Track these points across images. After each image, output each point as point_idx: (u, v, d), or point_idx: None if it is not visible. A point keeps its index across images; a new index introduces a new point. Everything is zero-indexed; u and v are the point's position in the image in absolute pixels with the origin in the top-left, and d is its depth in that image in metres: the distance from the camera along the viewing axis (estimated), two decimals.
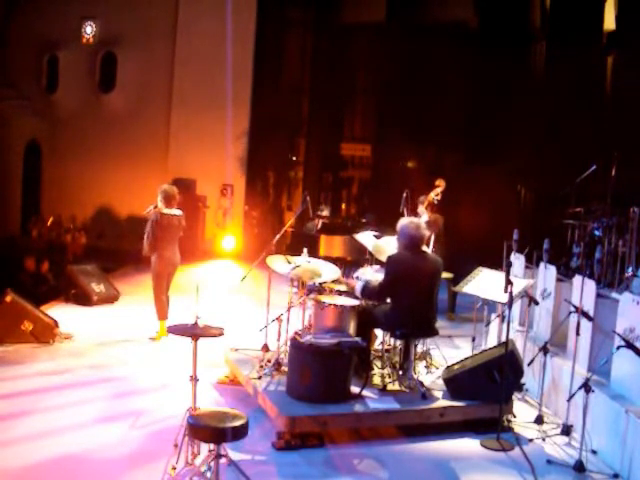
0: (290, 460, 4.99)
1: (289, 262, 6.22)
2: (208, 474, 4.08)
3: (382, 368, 6.18)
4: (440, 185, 8.73)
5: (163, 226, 7.57)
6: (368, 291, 5.95)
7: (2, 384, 6.12)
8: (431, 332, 6.02)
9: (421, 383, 5.86)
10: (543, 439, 5.59)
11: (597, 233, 7.68)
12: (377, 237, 7.09)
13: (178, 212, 7.73)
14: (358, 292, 5.99)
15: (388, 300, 6.00)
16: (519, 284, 6.16)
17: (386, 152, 15.60)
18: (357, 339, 5.64)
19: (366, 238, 7.16)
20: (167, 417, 5.50)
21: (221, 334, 4.47)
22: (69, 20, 14.82)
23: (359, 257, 8.73)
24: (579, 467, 5.00)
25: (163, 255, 7.62)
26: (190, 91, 14.44)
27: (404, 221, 6.00)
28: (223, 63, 14.11)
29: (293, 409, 5.28)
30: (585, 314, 5.63)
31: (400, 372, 6.00)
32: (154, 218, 7.55)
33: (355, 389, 5.65)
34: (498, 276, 6.27)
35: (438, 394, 5.83)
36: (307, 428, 5.20)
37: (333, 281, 6.26)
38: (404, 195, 7.57)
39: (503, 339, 5.92)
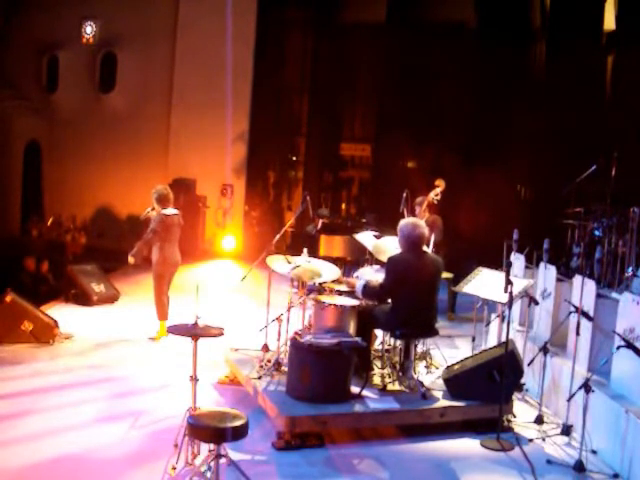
0: (290, 460, 4.99)
1: (289, 262, 6.22)
2: (208, 474, 4.08)
3: (382, 368, 6.19)
4: (440, 185, 8.68)
5: (168, 226, 7.59)
6: (368, 291, 5.95)
7: (2, 384, 6.13)
8: (431, 332, 6.03)
9: (421, 383, 5.86)
10: (543, 439, 5.59)
11: (597, 233, 7.68)
12: (377, 237, 7.09)
13: (175, 211, 7.76)
14: (358, 292, 5.99)
15: (388, 300, 6.01)
16: (519, 284, 6.16)
17: (386, 152, 15.56)
18: (357, 339, 5.63)
19: (366, 238, 7.16)
20: (167, 417, 5.50)
21: (221, 334, 4.48)
22: (69, 20, 14.76)
23: (359, 257, 8.72)
24: (579, 467, 5.01)
25: (165, 256, 7.63)
26: (190, 91, 14.41)
27: (403, 222, 6.01)
28: (223, 63, 14.07)
29: (293, 409, 5.28)
30: (585, 314, 5.63)
31: (400, 372, 6.00)
32: (159, 219, 7.55)
33: (355, 389, 5.65)
34: (498, 276, 6.26)
35: (438, 394, 5.83)
36: (307, 428, 5.20)
37: (333, 281, 6.27)
38: (404, 195, 7.57)
39: (503, 339, 5.92)
